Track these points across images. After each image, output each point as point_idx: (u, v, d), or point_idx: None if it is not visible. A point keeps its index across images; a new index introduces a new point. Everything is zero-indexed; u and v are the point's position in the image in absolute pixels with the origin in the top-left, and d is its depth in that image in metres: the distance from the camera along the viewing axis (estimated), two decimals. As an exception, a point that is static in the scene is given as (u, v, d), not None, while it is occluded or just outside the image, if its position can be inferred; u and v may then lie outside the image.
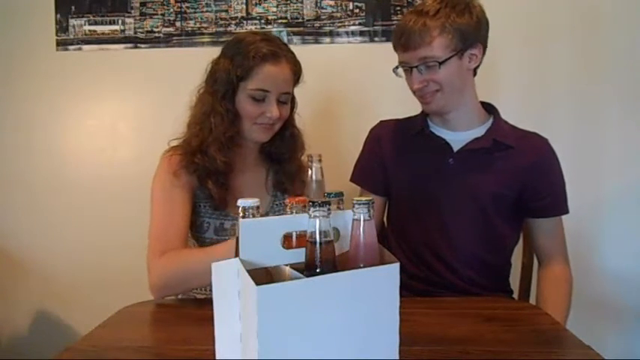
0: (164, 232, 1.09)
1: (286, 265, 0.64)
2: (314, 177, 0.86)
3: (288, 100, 1.19)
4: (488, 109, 1.26)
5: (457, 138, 1.21)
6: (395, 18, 1.75)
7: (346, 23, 1.78)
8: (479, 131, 1.21)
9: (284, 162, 1.26)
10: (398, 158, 1.27)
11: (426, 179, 1.22)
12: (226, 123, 1.14)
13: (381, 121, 1.35)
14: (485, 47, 1.18)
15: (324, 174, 0.86)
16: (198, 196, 1.19)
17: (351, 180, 1.33)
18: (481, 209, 1.18)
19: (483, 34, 1.17)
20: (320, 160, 0.86)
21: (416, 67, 1.13)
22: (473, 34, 1.13)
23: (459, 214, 1.18)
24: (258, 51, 1.11)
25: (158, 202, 1.14)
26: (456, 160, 1.20)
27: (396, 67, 1.20)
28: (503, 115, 1.26)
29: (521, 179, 1.17)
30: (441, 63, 1.10)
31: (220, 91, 1.14)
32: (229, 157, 1.15)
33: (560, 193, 1.21)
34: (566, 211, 1.21)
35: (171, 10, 1.82)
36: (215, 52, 1.88)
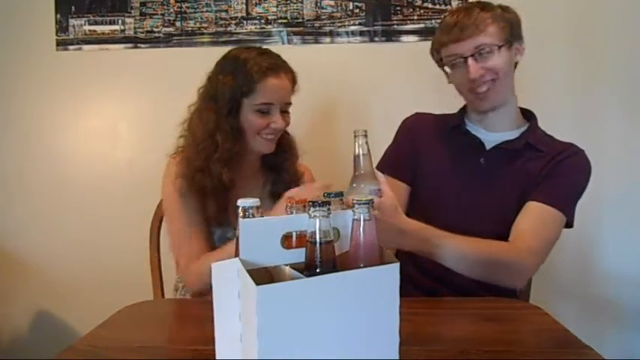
0: (187, 242, 1.15)
1: (286, 265, 0.64)
2: (361, 151, 0.92)
3: (288, 109, 1.22)
4: (527, 115, 1.26)
5: (491, 138, 1.22)
6: (395, 18, 1.75)
7: (346, 23, 1.78)
8: (513, 134, 1.22)
9: (282, 171, 1.28)
10: (430, 150, 1.27)
11: (454, 175, 1.22)
12: (232, 139, 1.15)
13: (417, 113, 1.36)
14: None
15: (369, 148, 0.92)
16: (206, 214, 1.20)
17: (379, 167, 1.25)
18: (504, 212, 1.16)
19: (522, 32, 1.20)
20: (365, 135, 0.91)
21: (471, 56, 1.13)
22: (518, 29, 1.17)
23: (482, 213, 1.17)
24: (260, 66, 1.13)
25: (174, 218, 1.18)
26: (487, 160, 1.20)
27: (450, 62, 1.17)
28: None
29: (542, 178, 1.16)
30: (500, 47, 1.12)
31: (224, 108, 1.15)
32: (234, 172, 1.17)
33: (565, 189, 1.15)
34: (563, 212, 1.12)
35: (171, 10, 1.82)
36: (215, 52, 1.88)
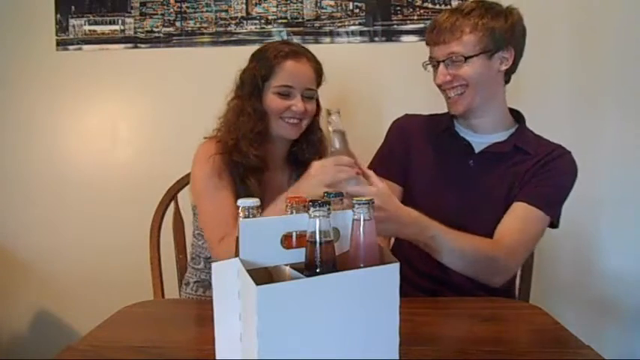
0: (219, 219, 1.13)
1: (286, 265, 0.64)
2: (335, 128, 0.91)
3: (312, 97, 1.24)
4: (516, 116, 1.27)
5: (480, 140, 1.22)
6: (395, 18, 1.75)
7: (346, 23, 1.78)
8: (501, 136, 1.22)
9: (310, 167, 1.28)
10: (420, 152, 1.28)
11: (444, 178, 1.23)
12: (254, 120, 1.19)
13: (406, 115, 1.36)
14: (518, 53, 1.18)
15: (344, 126, 0.92)
16: (238, 195, 1.20)
17: (371, 168, 1.30)
18: (492, 214, 1.16)
19: (517, 39, 1.17)
20: (339, 113, 0.91)
21: (443, 61, 1.15)
22: (505, 37, 1.14)
23: (470, 215, 1.17)
24: (280, 51, 1.19)
25: (207, 198, 1.18)
26: (476, 162, 1.21)
27: (426, 63, 1.21)
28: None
29: (529, 179, 1.17)
30: (466, 58, 1.12)
31: (247, 93, 1.21)
32: (261, 152, 1.19)
33: (548, 190, 1.15)
34: (546, 212, 1.13)
35: (171, 10, 1.82)
36: (215, 52, 1.88)
